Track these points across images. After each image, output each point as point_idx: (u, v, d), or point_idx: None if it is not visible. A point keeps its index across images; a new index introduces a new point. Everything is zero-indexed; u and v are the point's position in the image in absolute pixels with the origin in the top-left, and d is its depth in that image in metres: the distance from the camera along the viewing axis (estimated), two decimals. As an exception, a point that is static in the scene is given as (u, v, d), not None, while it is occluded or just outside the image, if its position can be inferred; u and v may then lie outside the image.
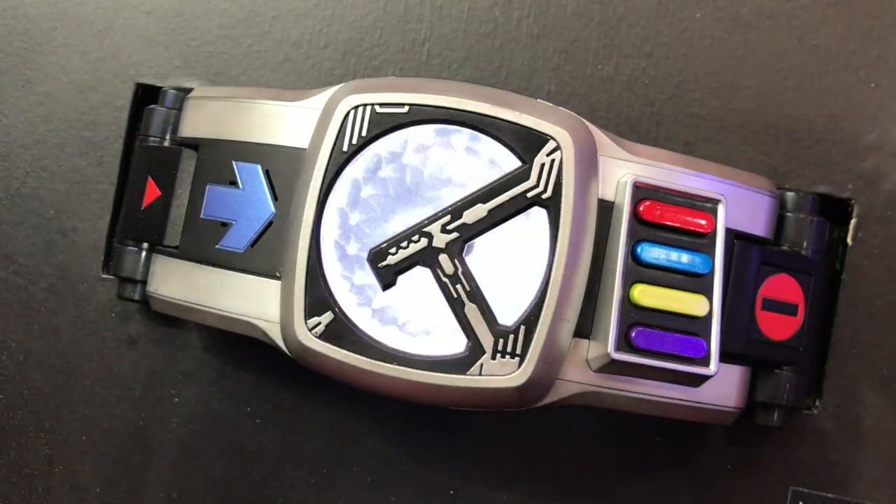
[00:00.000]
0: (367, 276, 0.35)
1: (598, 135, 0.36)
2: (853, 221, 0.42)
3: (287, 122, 0.37)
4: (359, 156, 0.36)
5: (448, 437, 0.42)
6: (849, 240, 0.42)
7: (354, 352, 0.35)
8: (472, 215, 0.35)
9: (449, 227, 0.35)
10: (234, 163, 0.38)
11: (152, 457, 0.42)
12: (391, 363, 0.35)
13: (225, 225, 0.37)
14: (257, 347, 0.38)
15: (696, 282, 0.36)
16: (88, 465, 0.43)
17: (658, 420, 0.38)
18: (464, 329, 0.35)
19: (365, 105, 0.35)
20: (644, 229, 0.35)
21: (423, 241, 0.35)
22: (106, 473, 0.43)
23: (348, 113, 0.35)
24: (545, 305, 0.34)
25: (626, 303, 0.35)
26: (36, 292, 0.43)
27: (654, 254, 0.35)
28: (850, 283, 0.41)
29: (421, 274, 0.35)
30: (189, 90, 0.41)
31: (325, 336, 0.35)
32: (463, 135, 0.35)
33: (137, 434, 0.43)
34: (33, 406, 0.43)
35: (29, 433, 0.43)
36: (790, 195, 0.40)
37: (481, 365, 0.34)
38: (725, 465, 0.42)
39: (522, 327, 0.34)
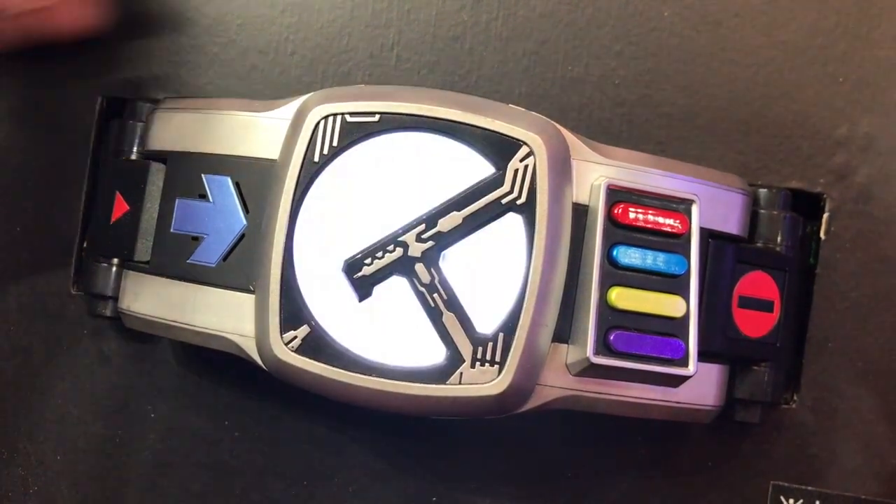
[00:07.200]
0: (343, 288, 0.35)
1: (571, 138, 0.36)
2: (826, 216, 0.42)
3: (256, 132, 0.37)
4: (330, 165, 0.35)
5: (428, 444, 0.42)
6: (822, 234, 0.42)
7: (332, 365, 0.34)
8: (447, 223, 0.35)
9: (424, 236, 0.35)
10: (203, 175, 0.37)
11: (129, 474, 0.42)
12: (370, 375, 0.34)
13: (196, 239, 0.37)
14: (233, 360, 0.38)
15: (672, 283, 0.36)
16: (64, 485, 0.42)
17: (638, 419, 0.38)
18: (442, 338, 0.34)
19: (335, 114, 0.35)
20: (619, 232, 0.35)
21: (399, 251, 0.35)
22: (83, 492, 0.42)
23: (319, 122, 0.35)
24: (523, 312, 0.34)
25: (604, 306, 0.35)
26: (5, 311, 0.42)
27: (629, 256, 0.35)
28: (825, 278, 0.42)
29: (397, 284, 0.35)
30: (156, 101, 0.41)
31: (302, 350, 0.35)
32: (435, 142, 0.35)
33: (114, 451, 0.42)
34: (5, 427, 0.42)
35: (2, 455, 0.42)
36: (763, 192, 0.40)
37: (461, 374, 0.34)
38: (706, 461, 0.42)
39: (501, 335, 0.34)
